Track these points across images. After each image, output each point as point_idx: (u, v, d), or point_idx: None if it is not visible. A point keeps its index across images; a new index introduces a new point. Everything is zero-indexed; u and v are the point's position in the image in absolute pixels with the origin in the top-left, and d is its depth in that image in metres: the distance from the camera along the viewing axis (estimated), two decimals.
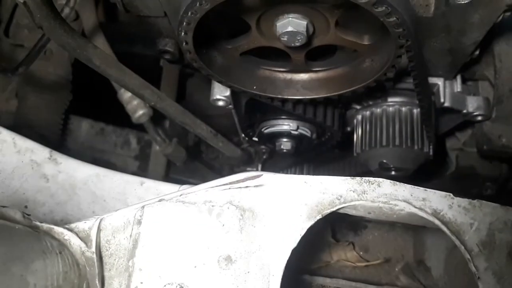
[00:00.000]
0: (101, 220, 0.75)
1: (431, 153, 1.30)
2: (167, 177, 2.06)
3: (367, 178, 0.76)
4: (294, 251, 0.74)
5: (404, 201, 0.74)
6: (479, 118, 1.25)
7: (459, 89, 1.23)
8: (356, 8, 0.85)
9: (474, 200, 0.74)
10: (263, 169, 1.78)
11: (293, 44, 0.99)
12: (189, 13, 0.87)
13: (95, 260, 0.71)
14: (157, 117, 1.76)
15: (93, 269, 0.72)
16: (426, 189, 0.75)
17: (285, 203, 0.74)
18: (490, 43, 1.22)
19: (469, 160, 1.50)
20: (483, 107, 1.23)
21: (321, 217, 0.74)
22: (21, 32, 1.80)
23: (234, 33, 1.09)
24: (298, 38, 0.97)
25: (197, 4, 0.84)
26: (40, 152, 1.14)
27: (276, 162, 1.79)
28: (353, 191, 0.75)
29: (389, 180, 0.76)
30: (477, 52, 1.12)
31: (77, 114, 2.03)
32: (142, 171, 2.06)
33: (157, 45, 1.21)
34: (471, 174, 1.50)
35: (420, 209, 0.73)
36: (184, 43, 0.96)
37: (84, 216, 1.11)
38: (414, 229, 1.12)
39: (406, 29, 0.84)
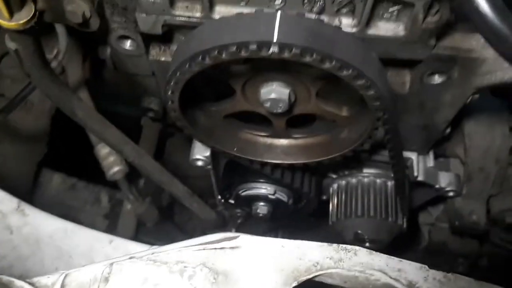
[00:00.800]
0: (65, 275, 0.71)
1: (404, 225, 1.31)
2: (136, 238, 1.99)
3: (343, 245, 0.75)
4: None
5: (380, 271, 0.73)
6: (451, 194, 1.29)
7: (431, 165, 1.27)
8: (337, 80, 0.90)
9: (449, 273, 0.74)
10: None
11: (275, 111, 1.02)
12: (178, 73, 0.90)
13: None
14: (131, 175, 1.74)
15: None
16: (401, 259, 0.75)
17: (261, 268, 0.72)
18: (460, 123, 1.29)
19: (441, 235, 1.51)
20: (454, 183, 1.28)
21: (296, 284, 0.72)
22: (4, 81, 1.80)
23: (219, 95, 1.13)
24: (280, 105, 1.01)
25: (187, 66, 0.87)
26: (7, 202, 1.10)
27: (251, 228, 1.77)
28: (330, 258, 0.74)
29: (365, 249, 0.75)
30: (448, 130, 1.18)
31: (49, 167, 1.98)
32: (111, 231, 1.98)
33: (142, 103, 1.23)
34: (443, 249, 1.51)
35: (396, 280, 0.72)
36: (170, 102, 0.98)
37: (46, 272, 1.04)
38: None
39: (384, 102, 0.89)
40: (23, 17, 0.81)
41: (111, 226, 2.02)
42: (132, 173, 1.75)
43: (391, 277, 0.73)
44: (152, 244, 1.12)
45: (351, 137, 1.08)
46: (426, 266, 0.74)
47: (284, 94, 0.99)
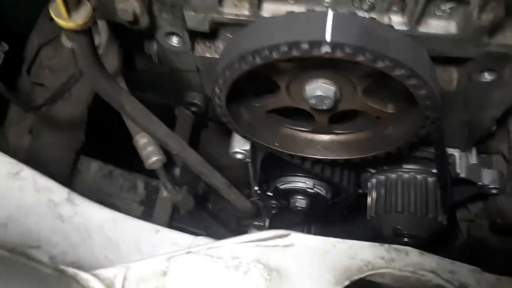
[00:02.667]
0: (127, 269, 0.74)
1: (444, 222, 1.30)
2: (171, 225, 2.04)
3: (394, 245, 0.76)
4: None
5: (432, 272, 0.74)
6: (494, 191, 1.27)
7: (474, 161, 1.26)
8: (386, 78, 0.90)
9: (501, 276, 0.74)
10: (271, 224, 1.77)
11: (320, 107, 1.03)
12: (227, 72, 0.91)
13: None
14: (168, 164, 1.77)
15: None
16: (453, 261, 0.75)
17: (314, 266, 0.74)
18: (505, 120, 1.27)
19: (481, 232, 1.50)
20: (498, 181, 1.26)
21: (348, 283, 0.73)
22: (43, 72, 1.85)
23: (261, 91, 1.13)
24: (326, 102, 1.01)
25: (236, 65, 0.88)
26: (58, 192, 1.14)
27: (284, 218, 1.79)
28: (381, 258, 0.75)
29: (416, 250, 0.76)
30: (494, 128, 1.16)
31: (87, 155, 2.04)
32: (146, 217, 2.03)
33: (185, 98, 1.25)
34: (482, 246, 1.50)
35: (448, 281, 0.73)
36: (217, 99, 0.99)
37: (96, 260, 1.09)
38: None
39: (434, 101, 0.88)
40: (80, 17, 0.84)
41: (146, 212, 2.07)
42: (168, 162, 1.78)
43: (443, 279, 0.74)
44: (186, 230, 1.15)
45: (395, 134, 1.08)
46: (479, 269, 0.74)
47: (330, 91, 0.99)
